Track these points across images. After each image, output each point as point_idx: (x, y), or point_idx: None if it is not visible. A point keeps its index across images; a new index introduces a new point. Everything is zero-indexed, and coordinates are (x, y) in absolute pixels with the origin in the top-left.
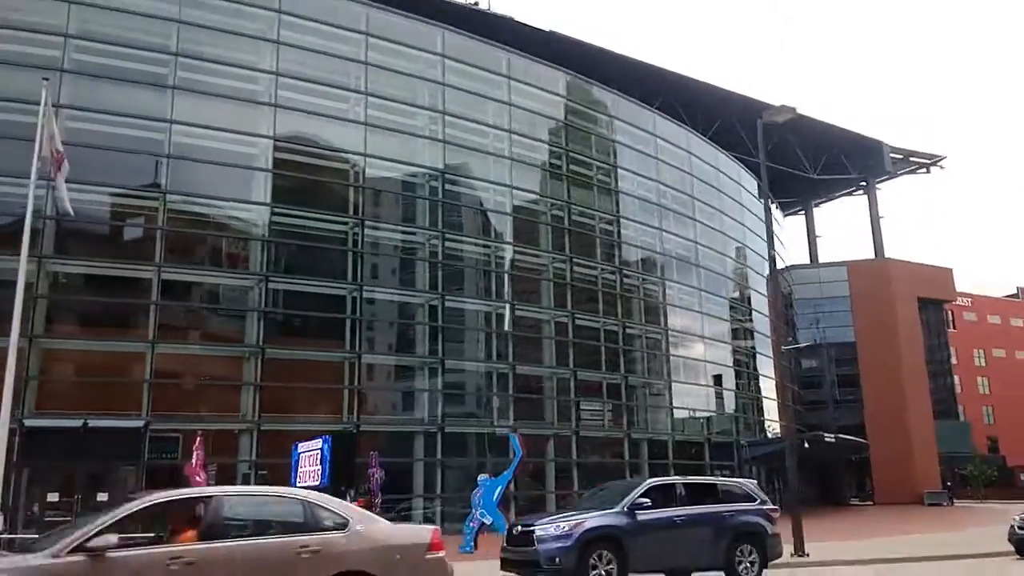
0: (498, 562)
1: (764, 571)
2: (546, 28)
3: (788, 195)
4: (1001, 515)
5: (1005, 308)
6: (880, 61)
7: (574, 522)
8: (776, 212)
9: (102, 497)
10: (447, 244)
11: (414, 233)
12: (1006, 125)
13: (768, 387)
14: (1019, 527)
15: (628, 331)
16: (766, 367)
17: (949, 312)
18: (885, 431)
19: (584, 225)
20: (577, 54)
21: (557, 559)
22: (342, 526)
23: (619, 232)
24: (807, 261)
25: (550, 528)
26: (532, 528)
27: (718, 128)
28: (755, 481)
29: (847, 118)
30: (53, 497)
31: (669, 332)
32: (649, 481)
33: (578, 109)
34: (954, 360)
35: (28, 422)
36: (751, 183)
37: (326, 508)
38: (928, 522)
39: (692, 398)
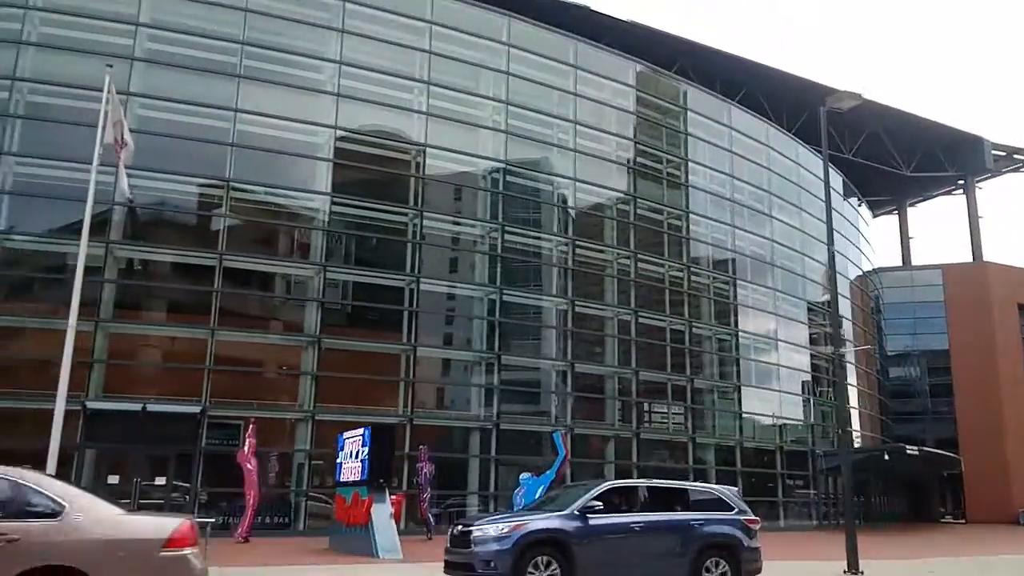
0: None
1: None
2: (624, 18)
3: (880, 194)
4: None
5: None
6: (979, 52)
7: (514, 524)
8: (864, 211)
9: (160, 481)
10: (507, 237)
11: (474, 225)
12: None
13: (852, 396)
14: None
15: (696, 331)
16: (849, 375)
17: None
18: (979, 445)
19: (651, 220)
20: (656, 44)
21: (492, 563)
22: (55, 514)
23: (688, 228)
24: (899, 264)
25: (489, 529)
26: (470, 529)
27: (804, 122)
28: (735, 488)
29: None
30: (113, 479)
31: (740, 334)
32: (608, 483)
33: (649, 100)
34: None
35: (90, 404)
36: (836, 180)
37: (40, 491)
38: (1012, 543)
39: (765, 404)
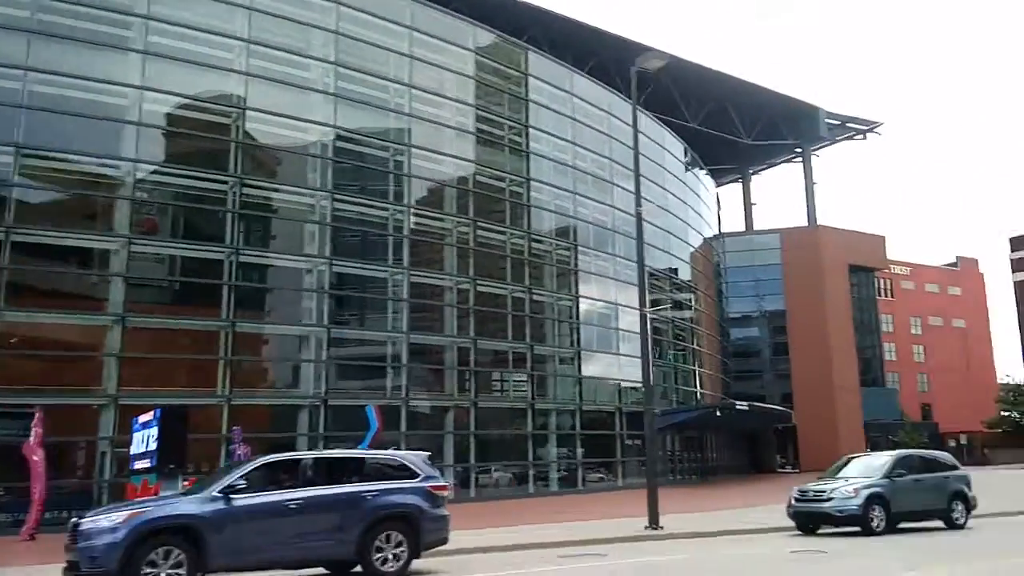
0: None
1: (432, 559)
2: None
3: (726, 162)
4: None
5: (943, 277)
6: (819, 28)
7: (129, 513)
8: (706, 178)
9: None
10: (340, 206)
11: (304, 194)
12: (943, 94)
13: (692, 357)
14: (796, 499)
15: (536, 299)
16: (692, 338)
17: (886, 281)
18: (811, 399)
19: (493, 188)
20: (505, 11)
21: (98, 558)
22: None
23: (529, 195)
24: (743, 230)
25: (101, 520)
26: (80, 521)
27: (652, 91)
28: (425, 454)
29: (786, 84)
30: None
31: (580, 300)
32: (262, 459)
33: (490, 65)
34: (891, 328)
35: None
36: (677, 147)
37: None
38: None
39: (606, 368)
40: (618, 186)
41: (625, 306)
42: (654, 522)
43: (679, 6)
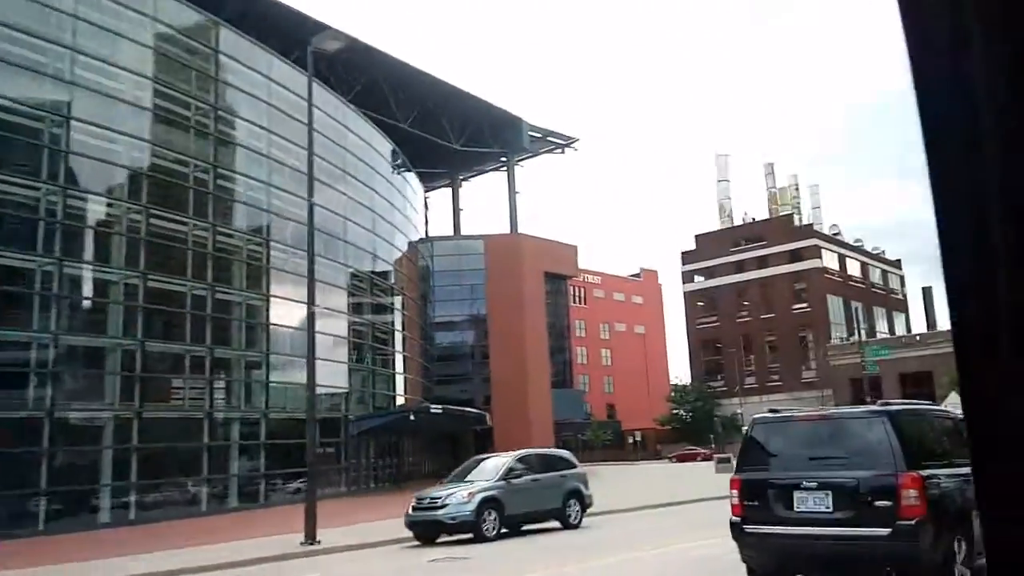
0: None
1: None
2: None
3: (438, 166)
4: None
5: (628, 286)
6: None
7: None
8: (414, 181)
9: None
10: None
11: None
12: (639, 114)
13: (394, 362)
14: (414, 507)
15: (222, 298)
16: (396, 342)
17: (579, 289)
18: (508, 401)
19: (173, 172)
20: None
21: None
22: None
23: (215, 183)
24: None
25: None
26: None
27: (365, 86)
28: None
29: (499, 94)
30: None
31: (271, 300)
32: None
33: (174, 36)
34: (583, 333)
35: None
36: (386, 147)
37: None
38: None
39: (299, 373)
40: (320, 181)
41: (324, 308)
42: (311, 537)
43: (405, 6)
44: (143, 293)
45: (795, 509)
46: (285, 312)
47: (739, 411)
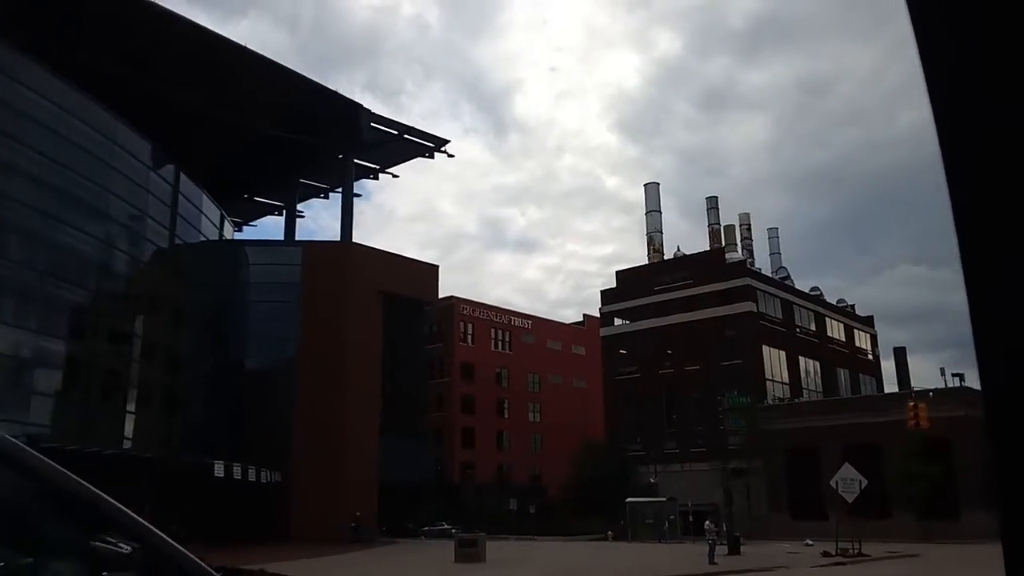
0: None
1: None
2: None
3: (263, 162)
4: None
5: (567, 333)
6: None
7: None
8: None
9: None
10: None
11: None
12: None
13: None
14: None
15: None
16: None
17: (502, 331)
18: (314, 451)
19: None
20: None
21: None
22: None
23: None
24: None
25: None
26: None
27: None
28: None
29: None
30: None
31: None
32: None
33: None
34: (506, 384)
35: None
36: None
37: None
38: None
39: None
40: None
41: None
42: None
43: None
44: None
45: None
46: None
47: (653, 480)
